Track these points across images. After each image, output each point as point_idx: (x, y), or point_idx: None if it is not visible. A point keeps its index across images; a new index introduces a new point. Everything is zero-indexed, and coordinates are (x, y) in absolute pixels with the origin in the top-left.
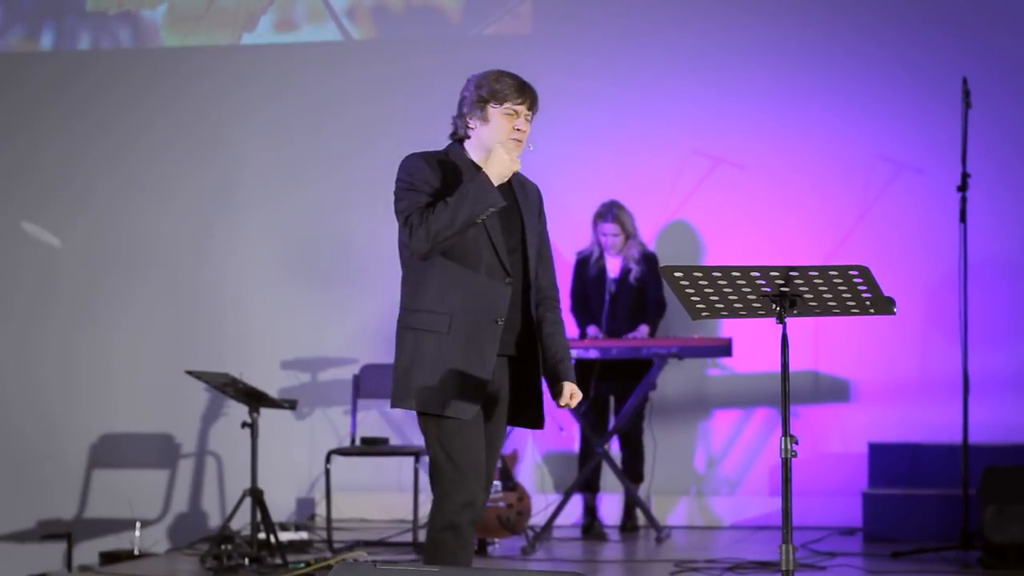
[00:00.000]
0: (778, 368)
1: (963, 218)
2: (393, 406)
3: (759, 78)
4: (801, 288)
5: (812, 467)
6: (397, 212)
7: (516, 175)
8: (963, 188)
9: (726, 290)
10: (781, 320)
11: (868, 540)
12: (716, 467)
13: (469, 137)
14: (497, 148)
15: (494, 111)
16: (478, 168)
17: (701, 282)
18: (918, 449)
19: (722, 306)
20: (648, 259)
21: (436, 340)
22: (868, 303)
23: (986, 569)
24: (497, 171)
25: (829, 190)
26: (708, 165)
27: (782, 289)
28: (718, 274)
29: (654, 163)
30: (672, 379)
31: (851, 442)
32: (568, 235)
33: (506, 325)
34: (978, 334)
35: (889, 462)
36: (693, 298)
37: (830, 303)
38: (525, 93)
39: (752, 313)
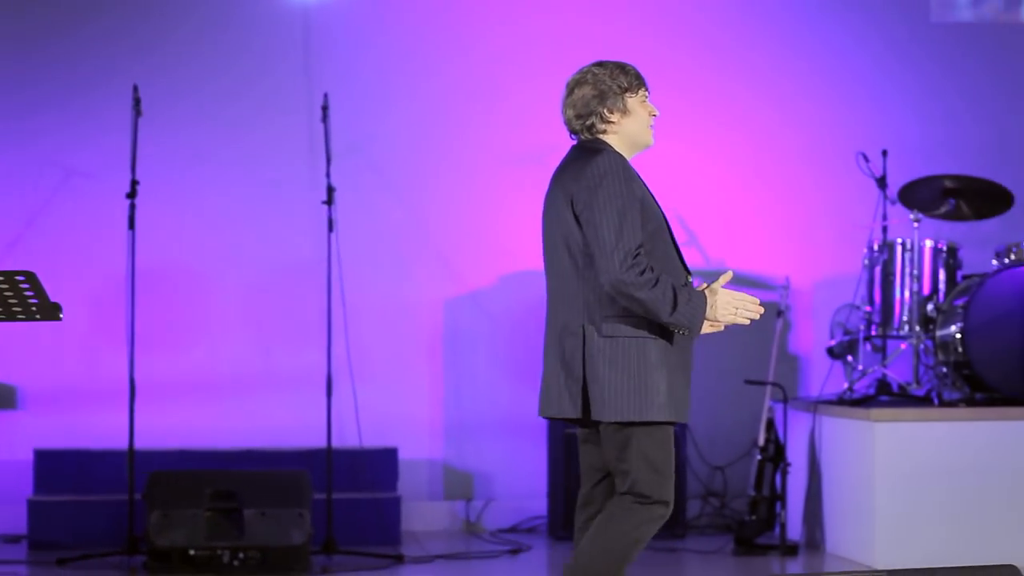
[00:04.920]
0: None
1: (132, 225)
2: (615, 419)
3: (106, 97)
4: None
5: None
6: (608, 228)
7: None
8: (132, 195)
9: None
10: None
11: (34, 548)
12: None
13: (605, 132)
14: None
15: (632, 101)
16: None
17: None
18: (85, 455)
19: None
20: None
21: (661, 347)
22: (34, 309)
23: (151, 573)
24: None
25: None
26: (61, 176)
27: None
28: None
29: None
30: None
31: (17, 449)
32: None
33: None
34: (146, 340)
35: (56, 468)
36: None
37: None
38: (644, 77)
39: None
